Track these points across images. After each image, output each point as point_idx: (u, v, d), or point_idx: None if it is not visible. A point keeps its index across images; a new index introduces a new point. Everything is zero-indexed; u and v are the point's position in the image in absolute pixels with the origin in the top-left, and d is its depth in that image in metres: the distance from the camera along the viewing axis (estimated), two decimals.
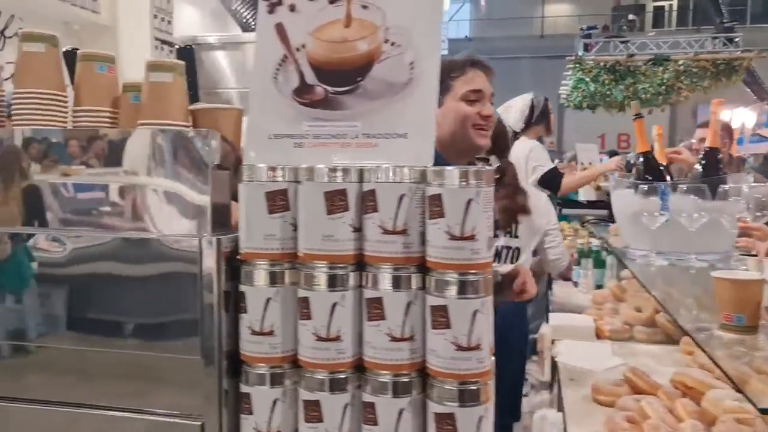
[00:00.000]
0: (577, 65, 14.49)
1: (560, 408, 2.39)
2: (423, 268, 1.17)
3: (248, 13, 5.66)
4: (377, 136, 1.22)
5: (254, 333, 1.21)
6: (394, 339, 1.15)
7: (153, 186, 1.24)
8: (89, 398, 1.25)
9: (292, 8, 1.31)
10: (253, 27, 5.46)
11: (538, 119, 4.43)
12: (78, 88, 1.38)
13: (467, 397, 1.13)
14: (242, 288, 1.22)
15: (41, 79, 1.33)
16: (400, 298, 1.15)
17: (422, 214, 1.16)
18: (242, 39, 5.28)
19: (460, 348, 1.12)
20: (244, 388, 1.23)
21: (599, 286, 4.19)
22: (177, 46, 4.69)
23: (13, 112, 1.35)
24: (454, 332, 1.11)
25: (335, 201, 1.16)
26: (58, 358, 1.26)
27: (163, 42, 4.74)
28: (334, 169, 1.17)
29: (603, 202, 4.99)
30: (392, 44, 1.23)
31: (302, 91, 1.29)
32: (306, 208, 1.17)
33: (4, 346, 1.28)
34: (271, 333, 1.20)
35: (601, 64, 14.34)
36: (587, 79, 14.35)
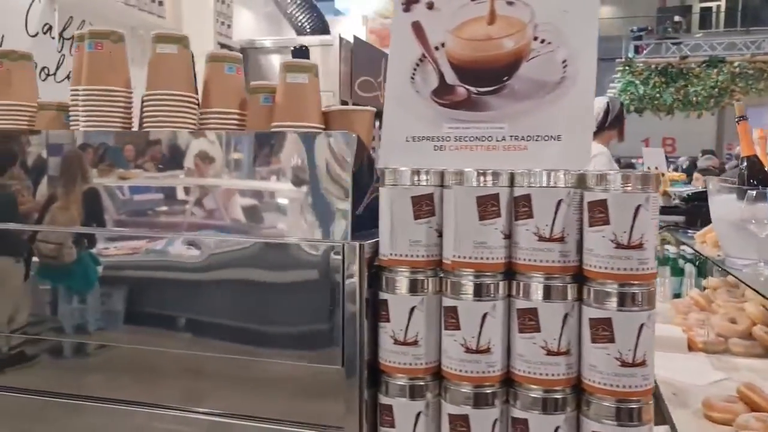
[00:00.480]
0: (627, 68, 14.16)
1: (666, 424, 2.29)
2: (578, 277, 1.10)
3: (303, 17, 5.68)
4: (526, 138, 1.17)
5: (397, 343, 1.16)
6: (550, 353, 1.09)
7: (292, 189, 1.21)
8: (228, 407, 1.22)
9: (430, 6, 1.26)
10: (307, 31, 5.48)
11: (612, 123, 4.29)
12: (207, 90, 1.36)
13: (629, 416, 1.06)
14: (384, 296, 1.18)
15: (174, 81, 1.31)
16: (557, 310, 1.09)
17: (579, 221, 1.10)
18: (296, 43, 5.29)
19: (624, 364, 1.05)
20: (384, 400, 1.19)
21: (677, 295, 4.04)
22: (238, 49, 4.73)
23: (144, 113, 1.34)
24: (618, 347, 1.05)
25: (487, 206, 1.10)
26: (195, 365, 1.24)
27: (223, 46, 4.79)
28: (483, 173, 1.12)
29: (678, 208, 4.81)
30: (542, 41, 1.18)
31: (442, 92, 1.24)
32: (456, 213, 1.12)
33: (145, 352, 1.26)
34: (415, 343, 1.16)
35: (652, 66, 13.98)
36: (637, 82, 14.02)
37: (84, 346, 1.31)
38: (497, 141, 1.19)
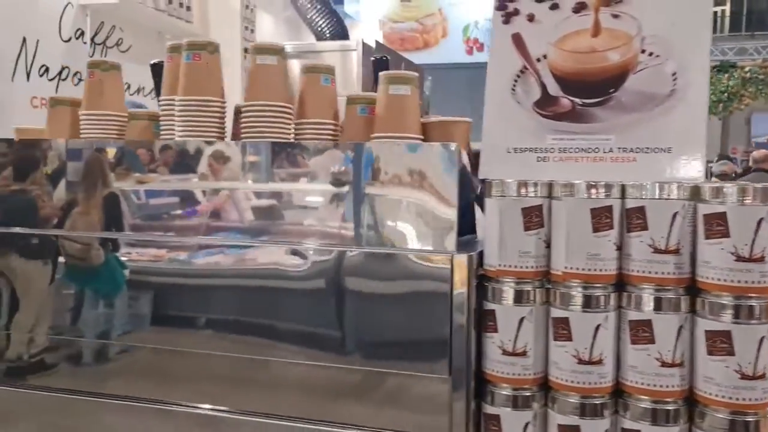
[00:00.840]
0: None
1: None
2: (691, 289, 1.11)
3: (323, 22, 5.70)
4: (635, 150, 1.17)
5: (505, 353, 1.17)
6: (665, 364, 1.09)
7: (399, 200, 1.22)
8: (329, 415, 1.24)
9: (531, 18, 1.27)
10: (326, 36, 5.49)
11: None
12: (303, 100, 1.38)
13: (745, 428, 1.06)
14: (491, 306, 1.19)
15: (272, 92, 1.33)
16: (672, 321, 1.09)
17: (692, 234, 1.10)
18: (317, 48, 5.33)
19: (744, 377, 1.05)
20: (489, 409, 1.20)
21: None
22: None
23: (243, 123, 1.35)
24: (738, 360, 1.05)
25: (601, 218, 1.11)
26: (297, 373, 1.25)
27: (246, 50, 4.82)
28: (595, 185, 1.12)
29: None
30: (650, 54, 1.18)
31: (545, 103, 1.25)
32: (568, 225, 1.13)
33: (243, 360, 1.27)
34: (524, 354, 1.16)
35: None
36: None
37: (186, 353, 1.32)
38: (604, 152, 1.19)
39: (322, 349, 1.24)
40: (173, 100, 1.42)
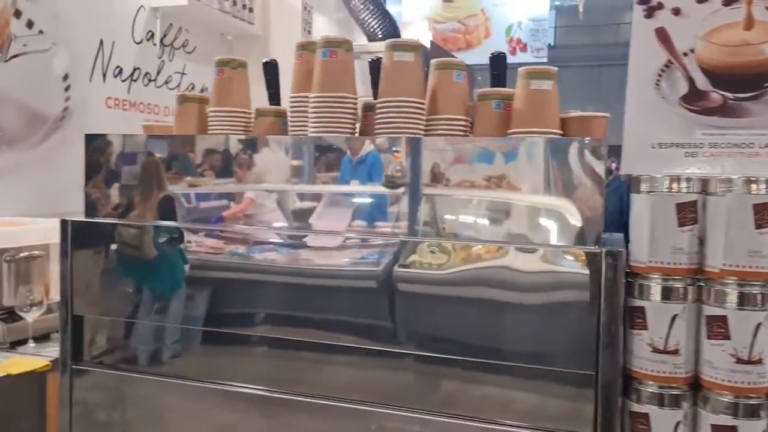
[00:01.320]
0: None
1: None
2: None
3: (375, 23, 5.71)
4: None
5: (656, 351, 1.16)
6: None
7: (542, 195, 1.21)
8: (470, 410, 1.24)
9: (677, 12, 1.25)
10: (379, 37, 5.50)
11: None
12: (435, 96, 1.39)
13: None
14: (639, 303, 1.17)
15: (409, 88, 1.34)
16: None
17: None
18: (369, 48, 5.34)
19: None
20: (635, 407, 1.18)
21: None
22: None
23: (379, 119, 1.37)
24: None
25: (765, 214, 1.09)
26: (438, 368, 1.26)
27: None
28: (755, 180, 1.10)
29: None
30: None
31: (693, 98, 1.22)
32: (728, 221, 1.11)
33: (401, 357, 1.29)
34: (675, 352, 1.15)
35: None
36: None
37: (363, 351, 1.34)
38: (760, 148, 1.17)
39: (461, 344, 1.24)
40: (304, 97, 1.44)
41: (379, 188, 1.31)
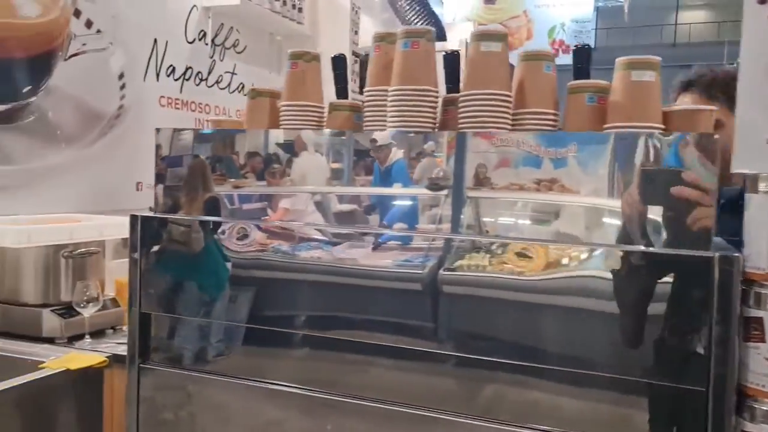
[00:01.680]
0: None
1: None
2: None
3: (421, 23, 5.69)
4: None
5: None
6: None
7: (654, 195, 1.12)
8: (577, 425, 1.16)
9: None
10: None
11: None
12: (522, 89, 1.31)
13: None
14: (757, 313, 1.07)
15: (496, 80, 1.27)
16: None
17: None
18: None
19: None
20: (749, 427, 1.08)
21: None
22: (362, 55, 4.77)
23: (462, 112, 1.30)
24: None
25: None
26: (526, 378, 1.18)
27: (355, 54, 4.83)
28: None
29: None
30: None
31: None
32: None
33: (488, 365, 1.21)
34: None
35: None
36: None
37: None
38: None
39: (572, 356, 1.15)
40: (382, 90, 1.38)
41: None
